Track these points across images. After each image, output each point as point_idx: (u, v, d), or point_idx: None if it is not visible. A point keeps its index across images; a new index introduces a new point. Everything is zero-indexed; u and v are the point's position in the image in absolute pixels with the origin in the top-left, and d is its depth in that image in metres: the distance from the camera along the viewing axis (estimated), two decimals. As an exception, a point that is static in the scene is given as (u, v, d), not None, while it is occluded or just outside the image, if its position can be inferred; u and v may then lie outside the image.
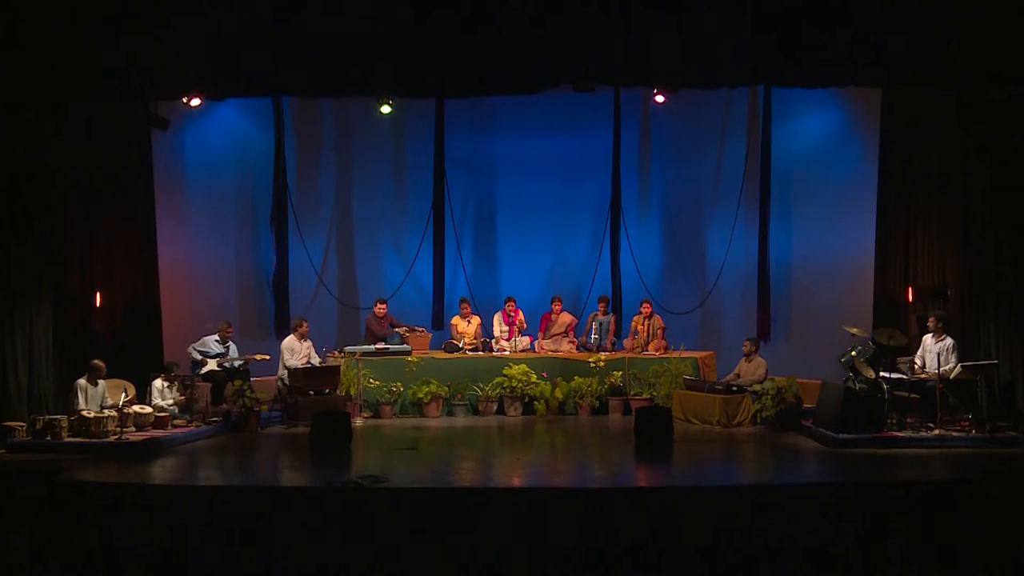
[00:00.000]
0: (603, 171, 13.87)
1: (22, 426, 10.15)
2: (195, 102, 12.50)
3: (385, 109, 12.64)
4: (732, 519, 7.62)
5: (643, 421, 10.43)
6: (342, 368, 12.13)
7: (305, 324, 12.58)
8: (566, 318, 13.44)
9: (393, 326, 13.30)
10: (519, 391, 12.37)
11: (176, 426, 10.91)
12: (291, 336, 12.49)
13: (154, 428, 10.67)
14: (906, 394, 10.37)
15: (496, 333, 13.43)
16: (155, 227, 12.86)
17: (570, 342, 13.25)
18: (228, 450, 10.30)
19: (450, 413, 12.48)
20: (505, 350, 13.08)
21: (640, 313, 13.21)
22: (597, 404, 12.35)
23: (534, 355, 12.95)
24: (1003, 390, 10.62)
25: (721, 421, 11.33)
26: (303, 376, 11.81)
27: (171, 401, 11.28)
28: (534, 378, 12.43)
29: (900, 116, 12.15)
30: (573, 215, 14.76)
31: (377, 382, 12.28)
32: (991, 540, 7.47)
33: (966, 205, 11.33)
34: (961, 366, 10.30)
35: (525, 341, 13.25)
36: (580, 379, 12.43)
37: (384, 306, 13.32)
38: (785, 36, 10.58)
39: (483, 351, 13.09)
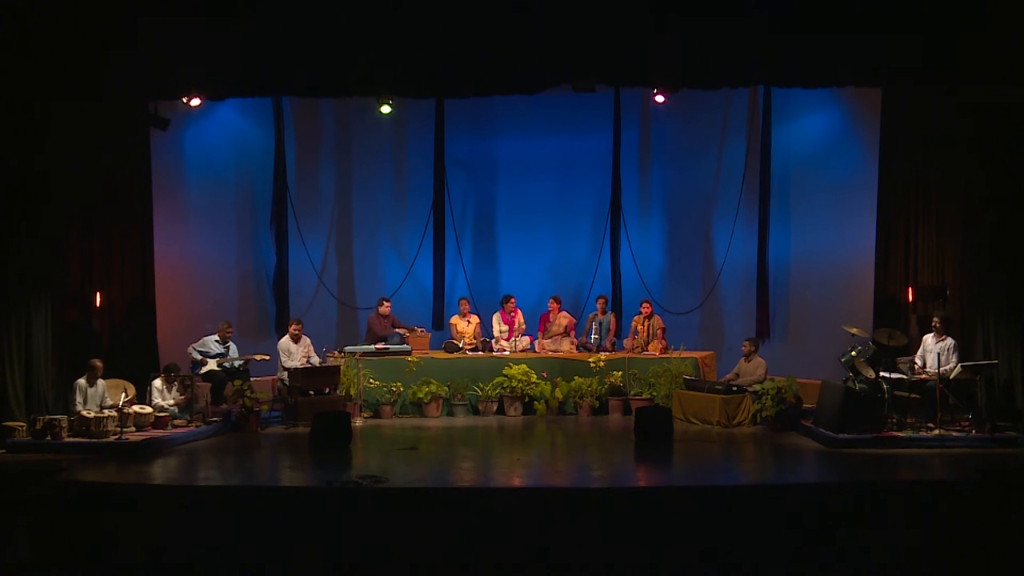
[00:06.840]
0: (603, 171, 13.87)
1: (22, 426, 10.17)
2: (195, 102, 12.47)
3: (385, 109, 12.62)
4: (732, 519, 7.62)
5: (643, 421, 10.43)
6: (342, 368, 12.12)
7: (294, 325, 12.50)
8: (564, 319, 13.43)
9: (394, 326, 13.30)
10: (519, 391, 12.37)
11: (176, 426, 10.91)
12: (285, 337, 12.47)
13: (154, 428, 10.68)
14: (906, 394, 10.38)
15: (496, 333, 13.42)
16: (154, 227, 12.85)
17: (571, 342, 13.25)
18: (228, 450, 10.29)
19: (450, 413, 12.47)
20: (505, 350, 13.07)
21: (640, 313, 13.20)
22: (597, 404, 12.35)
23: (534, 355, 12.94)
24: (1003, 390, 10.63)
25: (721, 421, 11.33)
26: (303, 376, 11.81)
27: (171, 401, 11.28)
28: (534, 378, 12.42)
29: (900, 116, 12.14)
30: (573, 215, 14.77)
31: (377, 382, 12.27)
32: (991, 540, 7.46)
33: (966, 205, 11.33)
34: (961, 366, 10.30)
35: (525, 341, 13.25)
36: (580, 379, 12.42)
37: (388, 304, 13.31)
38: (785, 36, 10.58)
39: (483, 351, 13.08)
